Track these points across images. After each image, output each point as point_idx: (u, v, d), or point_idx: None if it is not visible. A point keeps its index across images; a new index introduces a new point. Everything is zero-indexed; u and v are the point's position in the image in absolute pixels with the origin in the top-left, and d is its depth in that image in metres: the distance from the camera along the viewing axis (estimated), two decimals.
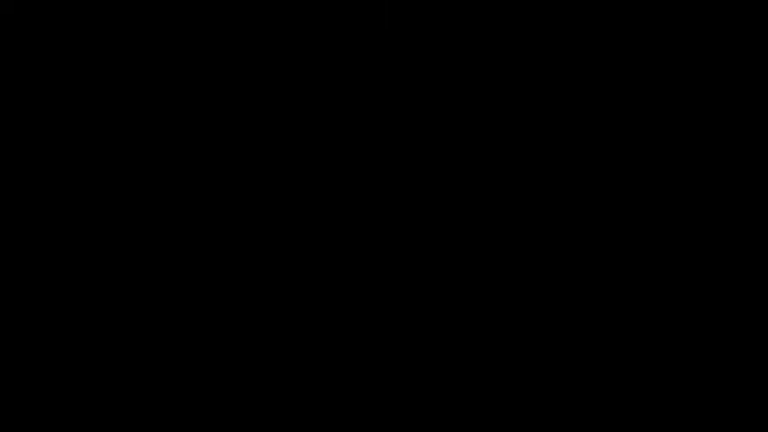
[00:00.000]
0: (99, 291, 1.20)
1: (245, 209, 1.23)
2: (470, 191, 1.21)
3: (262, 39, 1.24)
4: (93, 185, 1.23)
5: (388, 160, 1.23)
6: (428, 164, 1.23)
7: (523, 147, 1.21)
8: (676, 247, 1.14)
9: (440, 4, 1.25)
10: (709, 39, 1.20)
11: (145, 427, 1.16)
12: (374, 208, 1.22)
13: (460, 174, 1.22)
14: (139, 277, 1.21)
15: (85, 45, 1.23)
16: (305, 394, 1.17)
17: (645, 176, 1.18)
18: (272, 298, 1.21)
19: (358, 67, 1.25)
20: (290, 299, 1.20)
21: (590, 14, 1.22)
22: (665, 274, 1.15)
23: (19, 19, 1.22)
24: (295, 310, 1.20)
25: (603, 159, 1.14)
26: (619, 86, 1.21)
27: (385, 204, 1.22)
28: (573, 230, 1.18)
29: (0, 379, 1.16)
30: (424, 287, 1.20)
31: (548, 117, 1.22)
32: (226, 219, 1.22)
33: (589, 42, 1.21)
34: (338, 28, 1.25)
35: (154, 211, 1.22)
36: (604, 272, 1.18)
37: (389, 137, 1.24)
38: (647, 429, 1.12)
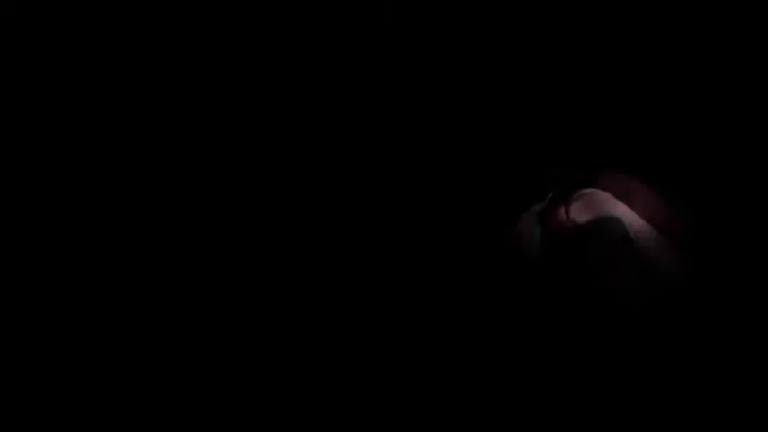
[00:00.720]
0: (99, 290, 1.20)
1: (243, 208, 1.23)
2: (469, 190, 1.22)
3: (260, 38, 1.25)
4: (94, 185, 1.23)
5: (387, 160, 1.24)
6: (428, 163, 1.23)
7: (523, 147, 1.21)
8: None
9: (439, 5, 1.25)
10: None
11: (145, 427, 1.16)
12: (373, 207, 1.22)
13: (460, 173, 1.23)
14: (139, 277, 1.21)
15: (86, 45, 1.24)
16: (304, 394, 1.18)
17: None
18: (271, 298, 1.21)
19: (358, 67, 1.25)
20: (290, 298, 1.21)
21: (592, 14, 1.22)
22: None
23: (19, 19, 1.22)
24: (295, 309, 1.20)
25: (604, 161, 1.14)
26: (621, 89, 1.21)
27: (384, 204, 1.22)
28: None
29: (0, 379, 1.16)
30: (424, 286, 1.20)
31: (549, 117, 1.22)
32: (224, 218, 1.23)
33: (591, 42, 1.21)
34: (338, 28, 1.25)
35: (154, 210, 1.22)
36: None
37: (389, 136, 1.24)
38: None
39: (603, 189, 1.02)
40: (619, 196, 1.03)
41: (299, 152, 1.24)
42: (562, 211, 1.03)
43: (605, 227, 1.01)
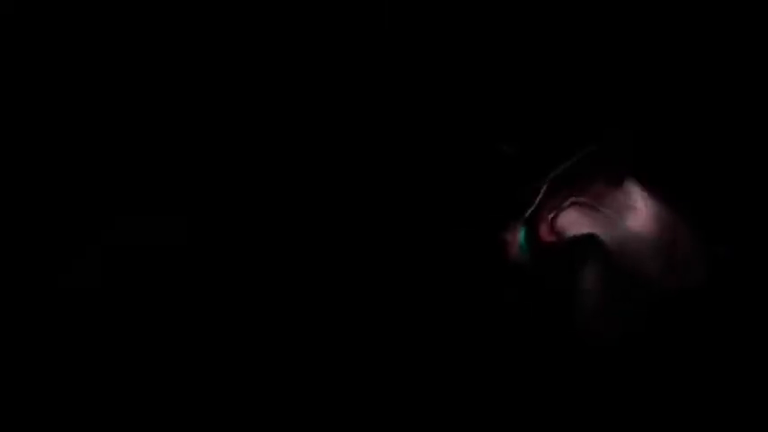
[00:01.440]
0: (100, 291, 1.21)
1: (242, 209, 1.23)
2: (469, 191, 1.22)
3: (259, 38, 1.25)
4: (93, 184, 1.23)
5: (387, 160, 1.24)
6: (428, 164, 1.23)
7: (524, 148, 1.21)
8: None
9: (440, 5, 1.24)
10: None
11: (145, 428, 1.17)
12: (373, 207, 1.22)
13: (460, 174, 1.22)
14: (139, 275, 1.21)
15: (86, 45, 1.24)
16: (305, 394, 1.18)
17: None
18: (272, 298, 1.21)
19: (357, 67, 1.25)
20: (291, 299, 1.21)
21: (591, 17, 1.21)
22: None
23: (19, 19, 1.22)
24: (296, 310, 1.21)
25: (600, 166, 1.14)
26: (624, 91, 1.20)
27: (384, 204, 1.22)
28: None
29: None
30: (423, 288, 1.20)
31: (550, 118, 1.22)
32: (223, 219, 1.23)
33: (590, 45, 1.21)
34: (338, 28, 1.25)
35: (154, 211, 1.23)
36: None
37: (389, 137, 1.24)
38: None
39: (596, 197, 1.01)
40: (611, 206, 1.02)
41: (298, 150, 1.23)
42: (549, 220, 1.02)
43: (592, 242, 1.01)
